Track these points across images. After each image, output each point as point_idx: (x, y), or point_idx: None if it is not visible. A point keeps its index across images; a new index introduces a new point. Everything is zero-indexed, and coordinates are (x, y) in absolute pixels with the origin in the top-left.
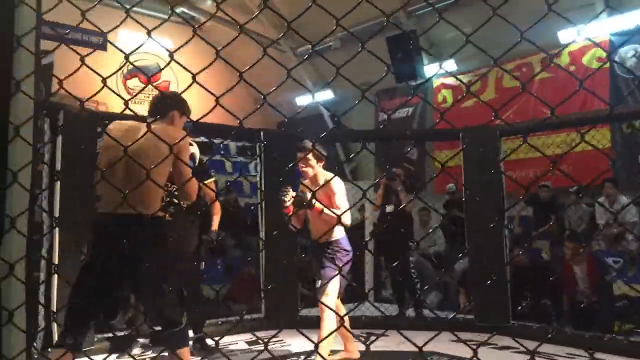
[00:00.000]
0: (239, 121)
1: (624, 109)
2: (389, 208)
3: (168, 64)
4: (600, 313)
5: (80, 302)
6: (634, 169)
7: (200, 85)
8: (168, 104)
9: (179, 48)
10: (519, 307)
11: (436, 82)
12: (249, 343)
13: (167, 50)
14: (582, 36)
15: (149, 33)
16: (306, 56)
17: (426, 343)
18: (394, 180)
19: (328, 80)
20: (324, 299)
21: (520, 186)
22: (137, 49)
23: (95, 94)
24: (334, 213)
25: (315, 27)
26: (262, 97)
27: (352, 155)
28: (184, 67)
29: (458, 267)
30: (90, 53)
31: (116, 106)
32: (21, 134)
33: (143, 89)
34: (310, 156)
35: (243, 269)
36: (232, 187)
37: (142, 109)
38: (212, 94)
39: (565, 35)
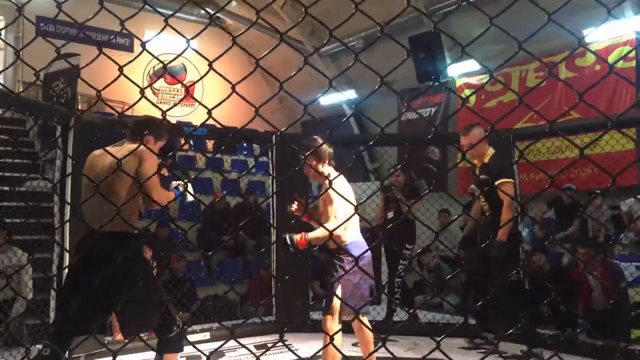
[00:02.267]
0: (255, 112)
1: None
2: (390, 214)
3: (184, 50)
4: (615, 321)
5: (68, 318)
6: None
7: (217, 73)
8: (142, 129)
9: (195, 36)
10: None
11: (459, 82)
12: (257, 347)
13: (184, 36)
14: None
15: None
16: (325, 42)
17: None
18: (391, 190)
19: (352, 80)
20: (329, 325)
21: (556, 188)
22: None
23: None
24: (324, 227)
25: (338, 28)
26: (279, 83)
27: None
28: (199, 53)
29: None
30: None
31: (142, 108)
32: None
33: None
34: (310, 156)
35: (259, 269)
36: (251, 187)
37: (166, 108)
38: (228, 81)
39: (591, 33)
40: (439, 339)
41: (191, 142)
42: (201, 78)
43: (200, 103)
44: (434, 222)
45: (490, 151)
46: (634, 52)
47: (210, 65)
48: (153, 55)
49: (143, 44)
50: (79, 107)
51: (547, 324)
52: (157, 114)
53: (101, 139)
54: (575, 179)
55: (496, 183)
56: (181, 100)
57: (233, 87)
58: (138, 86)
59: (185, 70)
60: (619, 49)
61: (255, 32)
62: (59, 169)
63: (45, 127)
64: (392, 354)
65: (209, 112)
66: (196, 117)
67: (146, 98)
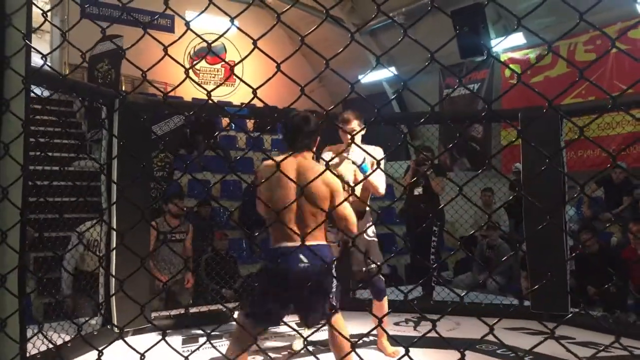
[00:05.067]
0: (300, 90)
1: None
2: (417, 191)
3: (228, 29)
4: None
5: None
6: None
7: (262, 51)
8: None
9: (239, 14)
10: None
11: (504, 57)
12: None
13: (228, 15)
14: None
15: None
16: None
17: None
18: (423, 164)
19: (393, 57)
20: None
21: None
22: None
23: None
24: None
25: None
26: (325, 61)
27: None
28: (243, 31)
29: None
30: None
31: (184, 89)
32: (11, 109)
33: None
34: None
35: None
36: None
37: (207, 88)
38: (273, 60)
39: None
40: (487, 320)
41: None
42: (246, 57)
43: (245, 82)
44: (477, 201)
45: None
46: None
47: (254, 43)
48: (197, 35)
49: (187, 23)
50: (123, 89)
51: (595, 305)
52: (199, 94)
53: (147, 120)
54: (626, 156)
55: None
56: (227, 78)
57: (278, 66)
58: (183, 66)
59: (225, 50)
60: None
61: (297, 11)
62: (105, 149)
63: (92, 109)
64: (438, 333)
65: (254, 91)
66: (236, 97)
67: (191, 79)
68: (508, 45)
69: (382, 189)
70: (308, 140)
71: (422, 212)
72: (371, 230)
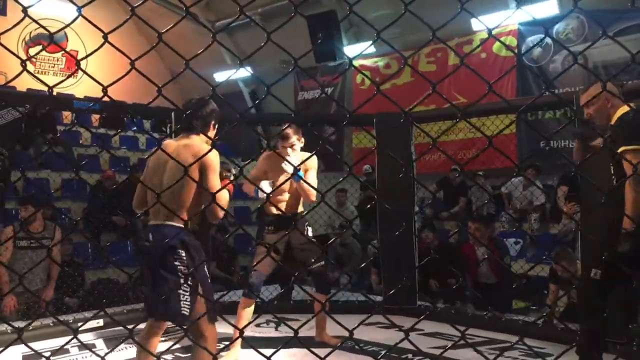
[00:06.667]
0: (157, 90)
1: (529, 99)
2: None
3: (74, 20)
4: (500, 293)
5: None
6: (537, 154)
7: (115, 47)
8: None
9: (86, 4)
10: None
11: (355, 64)
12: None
13: (75, 4)
14: (494, 25)
15: None
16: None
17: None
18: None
19: (250, 57)
20: None
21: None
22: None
23: None
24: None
25: (235, 3)
26: (185, 62)
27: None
28: (92, 23)
29: (373, 249)
30: None
31: (19, 78)
32: None
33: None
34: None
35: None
36: (138, 165)
37: (47, 79)
38: (127, 56)
39: (478, 21)
40: (344, 317)
41: (74, 117)
42: (93, 52)
43: (95, 80)
44: (331, 200)
45: (620, 110)
46: (515, 42)
47: (105, 37)
48: (32, 36)
49: (25, 10)
50: None
51: (436, 297)
52: (35, 84)
53: None
54: (461, 160)
55: (619, 150)
56: (71, 74)
57: (132, 64)
58: (20, 58)
59: (67, 38)
60: (502, 38)
61: (149, 3)
62: None
63: None
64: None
65: (105, 89)
66: (79, 89)
67: (29, 72)
68: (359, 53)
69: (313, 196)
70: (198, 123)
71: None
72: (309, 233)
